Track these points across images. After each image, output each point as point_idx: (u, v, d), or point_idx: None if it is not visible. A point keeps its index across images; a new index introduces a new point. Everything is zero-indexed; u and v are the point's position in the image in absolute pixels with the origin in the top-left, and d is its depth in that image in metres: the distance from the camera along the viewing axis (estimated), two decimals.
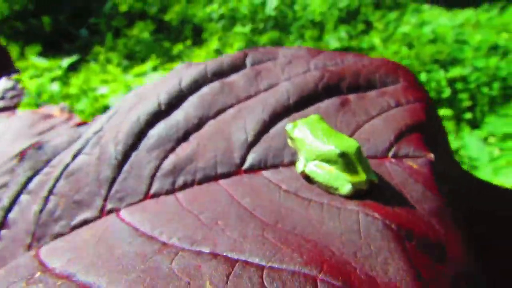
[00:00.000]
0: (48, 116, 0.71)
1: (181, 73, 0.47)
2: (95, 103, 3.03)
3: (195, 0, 4.83)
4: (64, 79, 3.56)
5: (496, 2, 4.49)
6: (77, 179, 0.41)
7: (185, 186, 0.40)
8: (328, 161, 0.37)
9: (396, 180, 0.37)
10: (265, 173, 0.40)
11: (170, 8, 4.72)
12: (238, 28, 4.19)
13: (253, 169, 0.40)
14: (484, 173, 2.02)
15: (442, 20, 4.05)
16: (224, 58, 0.48)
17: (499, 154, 2.28)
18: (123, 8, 4.72)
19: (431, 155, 0.39)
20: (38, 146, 0.46)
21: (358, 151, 0.37)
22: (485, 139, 2.65)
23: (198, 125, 0.43)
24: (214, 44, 3.49)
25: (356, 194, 0.36)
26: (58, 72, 3.55)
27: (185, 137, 0.43)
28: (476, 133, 2.79)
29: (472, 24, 4.00)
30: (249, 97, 0.45)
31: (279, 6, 4.09)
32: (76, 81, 3.47)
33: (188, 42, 4.39)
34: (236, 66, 0.48)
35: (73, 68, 3.74)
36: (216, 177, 0.40)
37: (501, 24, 4.03)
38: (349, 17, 4.20)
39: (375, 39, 4.04)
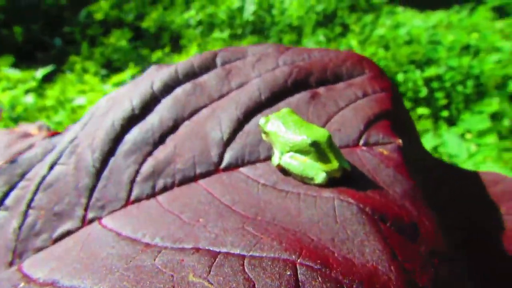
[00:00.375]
0: (25, 135, 0.69)
1: (152, 76, 0.47)
2: (72, 115, 2.97)
3: (172, 6, 4.80)
4: (39, 91, 3.47)
5: (465, 3, 4.64)
6: (55, 190, 0.41)
7: (165, 188, 0.40)
8: (301, 151, 0.38)
9: (368, 166, 0.38)
10: (243, 169, 0.40)
11: (147, 15, 4.68)
12: (217, 34, 4.19)
13: (231, 166, 0.41)
14: None
15: (416, 22, 4.15)
16: (194, 59, 0.48)
17: (476, 150, 2.34)
18: (99, 16, 4.65)
19: (399, 141, 0.40)
20: (11, 160, 0.44)
21: (329, 139, 0.37)
22: (462, 136, 2.71)
23: (174, 127, 0.43)
24: (193, 50, 3.48)
25: (331, 182, 0.37)
26: (33, 84, 3.46)
27: (161, 140, 0.42)
28: (453, 130, 2.86)
29: (444, 25, 4.11)
30: (221, 96, 0.45)
31: (257, 11, 4.11)
32: (52, 93, 3.39)
33: (167, 49, 4.36)
34: (207, 66, 0.48)
35: (48, 79, 3.65)
36: (195, 178, 0.40)
37: (471, 25, 4.16)
38: (326, 20, 4.26)
39: (353, 41, 4.11)
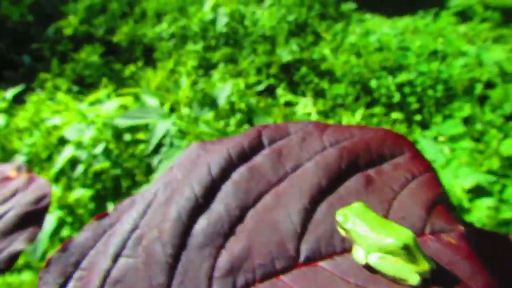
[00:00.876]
0: (4, 179, 0.66)
1: (206, 159, 0.48)
2: (48, 136, 2.87)
3: (144, 20, 4.73)
4: (10, 112, 3.33)
5: (429, 9, 4.84)
6: (125, 287, 0.40)
7: (247, 285, 0.40)
8: (390, 253, 0.39)
9: (442, 258, 0.40)
10: (323, 264, 0.41)
11: (117, 29, 4.59)
12: (190, 46, 4.17)
13: (309, 260, 0.41)
14: (444, 176, 2.16)
15: (385, 29, 4.29)
16: (242, 140, 0.49)
17: (451, 154, 2.44)
18: (68, 31, 4.52)
19: (461, 227, 0.42)
20: (62, 248, 0.44)
21: (415, 240, 0.39)
22: (435, 138, 2.83)
23: (241, 217, 0.44)
24: (170, 65, 3.44)
25: (423, 283, 0.38)
26: (3, 105, 3.32)
27: (231, 231, 0.43)
28: (427, 133, 2.97)
29: (411, 31, 4.28)
30: (280, 181, 0.47)
31: (229, 22, 4.12)
32: (24, 113, 3.26)
33: (140, 63, 4.30)
34: (255, 147, 0.49)
35: (18, 99, 3.51)
36: (276, 273, 0.41)
37: (436, 30, 4.34)
38: (298, 29, 4.33)
39: (325, 49, 4.20)
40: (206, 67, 3.88)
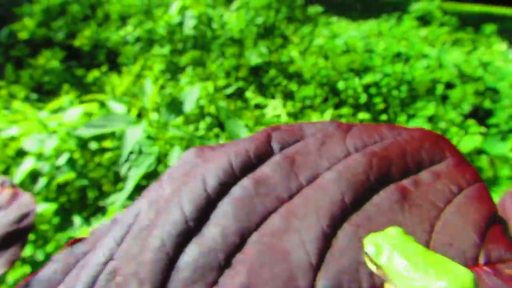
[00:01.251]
0: None
1: (201, 172, 0.38)
2: (4, 149, 2.69)
3: (107, 23, 4.56)
4: None
5: (392, 13, 4.98)
6: None
7: None
8: None
9: None
10: None
11: (79, 32, 4.39)
12: (157, 50, 4.06)
13: None
14: None
15: (351, 32, 4.36)
16: (248, 145, 0.40)
17: None
18: (24, 35, 4.28)
19: None
20: (25, 284, 0.37)
21: (475, 283, 0.30)
22: None
23: (240, 244, 0.35)
24: (136, 69, 3.33)
25: None
26: None
27: (227, 262, 0.34)
28: None
29: (376, 34, 4.38)
30: (291, 196, 0.38)
31: (197, 25, 4.04)
32: None
33: (104, 68, 4.14)
34: (263, 154, 0.40)
35: None
36: None
37: (400, 33, 4.46)
38: (267, 32, 4.32)
39: (293, 52, 4.22)
40: (173, 71, 3.78)
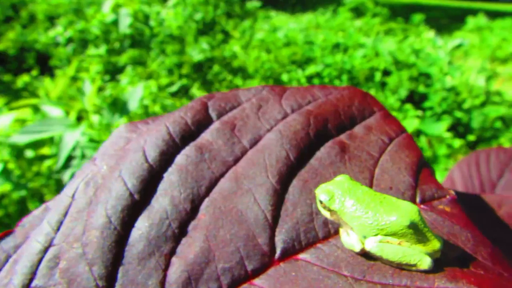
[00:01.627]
0: None
1: (139, 144, 0.37)
2: None
3: (33, 24, 4.25)
4: None
5: (328, 5, 5.13)
6: None
7: None
8: (393, 234, 0.31)
9: (441, 231, 0.34)
10: (305, 256, 0.33)
11: (2, 35, 4.04)
12: (92, 51, 3.85)
13: (287, 254, 0.33)
14: None
15: (290, 25, 4.44)
16: (184, 115, 0.39)
17: None
18: None
19: (452, 192, 0.37)
20: None
21: (421, 215, 0.32)
22: None
23: (193, 210, 0.34)
24: (71, 71, 3.12)
25: (434, 266, 0.31)
26: None
27: (182, 230, 0.33)
28: None
29: (314, 27, 4.49)
30: (237, 159, 0.38)
31: (133, 23, 3.89)
32: None
33: (34, 72, 3.85)
34: (202, 122, 0.40)
35: None
36: (248, 277, 0.32)
37: (337, 25, 4.62)
38: (207, 28, 4.26)
39: (236, 47, 4.20)
40: (112, 71, 3.60)
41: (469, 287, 0.30)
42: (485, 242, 0.34)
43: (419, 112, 2.62)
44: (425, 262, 0.31)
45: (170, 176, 0.36)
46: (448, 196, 0.38)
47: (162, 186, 0.35)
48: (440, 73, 3.04)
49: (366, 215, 0.32)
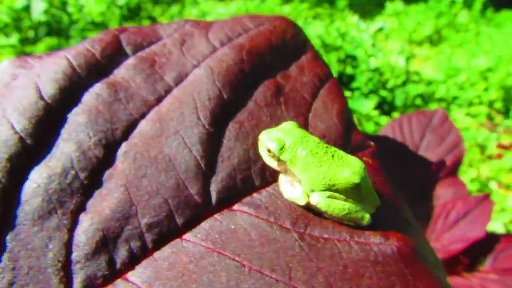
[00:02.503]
0: None
1: (31, 79, 0.30)
2: None
3: None
4: None
5: None
6: None
7: (133, 259, 0.25)
8: (342, 190, 0.30)
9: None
10: (243, 207, 0.29)
11: None
12: (2, 40, 3.47)
13: (224, 205, 0.29)
14: None
15: (219, 10, 4.37)
16: (91, 46, 0.33)
17: None
18: None
19: (373, 144, 0.37)
20: None
21: (366, 171, 0.31)
22: None
23: (107, 157, 0.28)
24: None
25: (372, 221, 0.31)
26: None
27: (93, 181, 0.27)
28: None
29: (243, 12, 4.47)
30: (160, 99, 0.32)
31: (48, 9, 3.56)
32: None
33: None
34: (113, 56, 0.33)
35: None
36: (178, 232, 0.27)
37: (266, 10, 4.64)
38: (132, 14, 4.04)
39: None
40: None
41: (399, 244, 0.29)
42: (396, 198, 0.34)
43: (348, 93, 2.72)
44: (365, 218, 0.31)
45: (76, 118, 0.29)
46: (369, 148, 0.37)
47: (65, 129, 0.29)
48: (365, 55, 3.18)
49: (318, 169, 0.30)
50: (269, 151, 0.30)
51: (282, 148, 0.30)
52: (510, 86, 2.88)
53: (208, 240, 0.27)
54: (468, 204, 0.72)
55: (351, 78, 3.22)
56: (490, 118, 2.84)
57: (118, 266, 0.25)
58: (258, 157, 0.32)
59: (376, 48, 3.48)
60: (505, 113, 2.81)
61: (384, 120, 2.55)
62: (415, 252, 0.29)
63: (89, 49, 0.33)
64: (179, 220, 0.27)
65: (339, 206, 0.30)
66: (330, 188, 0.30)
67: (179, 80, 0.34)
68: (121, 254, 0.26)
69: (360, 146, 0.36)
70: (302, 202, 0.30)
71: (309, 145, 0.31)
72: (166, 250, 0.26)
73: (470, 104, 2.93)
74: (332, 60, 3.41)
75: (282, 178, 0.31)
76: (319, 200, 0.30)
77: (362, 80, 3.03)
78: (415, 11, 4.83)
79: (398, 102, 2.87)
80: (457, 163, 0.79)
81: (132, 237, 0.26)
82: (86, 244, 0.25)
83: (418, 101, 2.90)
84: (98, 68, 0.32)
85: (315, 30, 4.23)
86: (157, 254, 0.26)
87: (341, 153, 0.32)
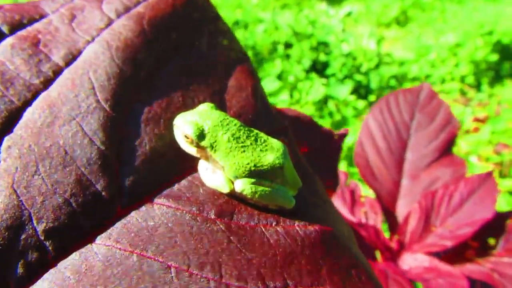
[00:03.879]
0: None
1: None
2: None
3: None
4: None
5: None
6: None
7: (31, 274, 0.21)
8: (267, 175, 0.29)
9: None
10: (160, 200, 0.26)
11: None
12: None
13: (138, 200, 0.26)
14: None
15: None
16: None
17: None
18: None
19: (286, 122, 0.36)
20: None
21: (288, 153, 0.30)
22: None
23: None
24: None
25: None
26: None
27: None
28: None
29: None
30: (49, 82, 0.28)
31: None
32: None
33: None
34: None
35: None
36: (86, 236, 0.23)
37: (235, 3, 4.57)
38: None
39: None
40: None
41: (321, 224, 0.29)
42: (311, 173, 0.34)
43: (324, 80, 2.71)
44: (290, 202, 0.30)
45: None
46: (283, 126, 0.36)
47: None
48: (336, 41, 3.18)
49: (242, 155, 0.28)
50: (186, 137, 0.28)
51: (200, 133, 0.28)
52: (479, 60, 2.94)
53: (124, 241, 0.23)
54: (471, 184, 0.71)
55: (325, 65, 3.21)
56: (463, 93, 2.89)
57: (13, 284, 0.21)
58: (173, 142, 0.29)
59: (346, 33, 3.48)
60: (477, 87, 2.87)
61: (361, 104, 2.55)
62: (334, 231, 0.29)
63: None
64: (87, 222, 0.24)
65: (264, 191, 0.29)
66: (254, 174, 0.28)
67: (69, 58, 0.29)
68: (16, 270, 0.21)
69: (276, 124, 0.35)
70: (226, 190, 0.28)
71: (230, 128, 0.29)
72: (73, 257, 0.22)
73: (443, 81, 2.98)
74: (304, 48, 3.39)
75: (201, 164, 0.29)
76: (244, 187, 0.28)
77: (336, 66, 3.03)
78: None
79: (373, 85, 2.88)
80: (452, 140, 0.78)
81: (28, 247, 0.22)
82: None
83: (393, 83, 2.93)
84: None
85: (285, 20, 4.19)
86: (62, 264, 0.22)
87: (263, 135, 0.30)
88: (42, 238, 0.22)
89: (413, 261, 0.66)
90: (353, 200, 0.78)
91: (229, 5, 4.40)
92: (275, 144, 0.30)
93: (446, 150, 0.79)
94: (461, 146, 2.22)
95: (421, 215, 0.69)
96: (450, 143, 0.79)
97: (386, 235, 0.74)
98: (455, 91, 2.84)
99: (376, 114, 0.89)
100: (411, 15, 4.43)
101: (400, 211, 0.78)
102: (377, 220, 0.73)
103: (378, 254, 0.73)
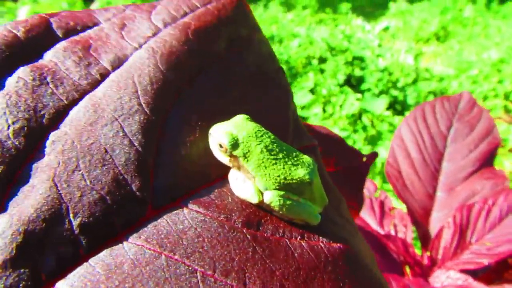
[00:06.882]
0: None
1: None
2: None
3: None
4: None
5: (258, 0, 5.15)
6: None
7: (63, 267, 0.22)
8: (296, 189, 0.29)
9: None
10: (190, 204, 0.26)
11: None
12: None
13: (170, 201, 0.26)
14: None
15: None
16: (13, 27, 0.29)
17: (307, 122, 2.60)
18: None
19: (315, 141, 0.36)
20: None
21: (317, 170, 0.31)
22: None
23: (30, 148, 0.25)
24: None
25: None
26: None
27: (13, 175, 0.24)
28: None
29: None
30: (96, 83, 0.29)
31: None
32: None
33: None
34: (41, 38, 0.30)
35: None
36: (117, 233, 0.24)
37: (269, 18, 4.62)
38: None
39: None
40: None
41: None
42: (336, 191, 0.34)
43: (359, 95, 2.66)
44: (315, 218, 0.30)
45: None
46: (312, 145, 0.36)
47: None
48: (372, 56, 3.12)
49: (273, 166, 0.29)
50: (220, 146, 0.29)
51: (235, 143, 0.29)
52: None
53: (153, 242, 0.24)
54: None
55: (360, 80, 3.16)
56: (507, 110, 2.75)
57: (44, 275, 0.22)
58: (206, 150, 0.30)
59: (383, 48, 3.42)
60: None
61: (397, 119, 2.47)
62: (357, 251, 0.29)
63: (10, 29, 0.29)
64: (119, 220, 0.24)
65: (292, 205, 0.29)
66: (283, 187, 0.29)
67: (117, 63, 0.30)
68: (49, 261, 0.22)
69: (306, 142, 0.36)
70: (255, 200, 0.29)
71: (263, 140, 0.29)
72: (104, 254, 0.23)
73: (485, 98, 2.85)
74: (339, 63, 3.36)
75: (232, 174, 0.30)
76: (273, 199, 0.29)
77: (372, 80, 2.97)
78: (419, 9, 4.79)
79: (410, 100, 2.80)
80: (493, 151, 0.72)
81: (63, 240, 0.22)
82: (3, 250, 0.21)
83: (431, 98, 2.83)
84: (22, 50, 0.28)
85: (320, 34, 4.18)
86: (93, 260, 0.23)
87: (294, 150, 0.31)
88: (77, 232, 0.23)
89: (445, 278, 0.61)
90: (383, 212, 0.74)
91: (264, 20, 4.47)
92: (306, 159, 0.30)
93: (486, 162, 0.74)
94: (505, 165, 2.09)
95: (455, 230, 0.65)
96: (491, 154, 0.74)
97: (418, 250, 0.69)
98: (498, 108, 2.70)
99: (409, 123, 0.85)
100: (451, 30, 4.30)
101: (434, 225, 0.73)
102: (406, 233, 0.69)
103: (408, 270, 0.68)
